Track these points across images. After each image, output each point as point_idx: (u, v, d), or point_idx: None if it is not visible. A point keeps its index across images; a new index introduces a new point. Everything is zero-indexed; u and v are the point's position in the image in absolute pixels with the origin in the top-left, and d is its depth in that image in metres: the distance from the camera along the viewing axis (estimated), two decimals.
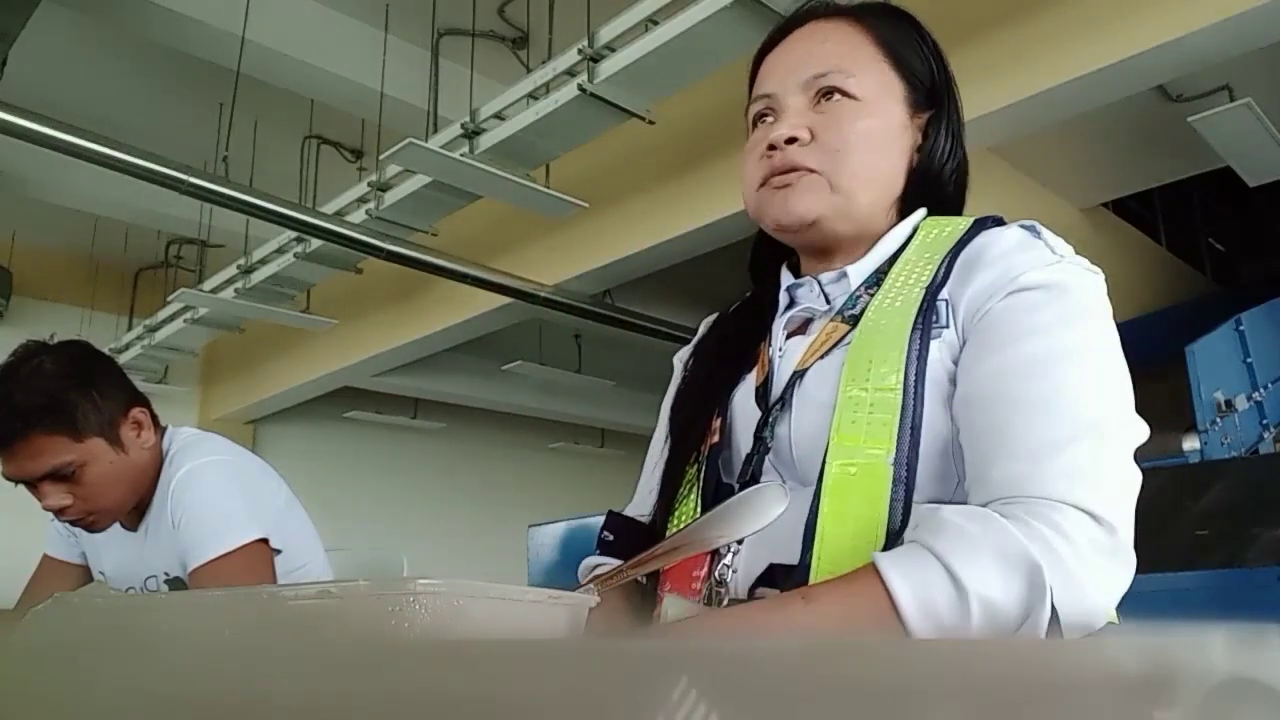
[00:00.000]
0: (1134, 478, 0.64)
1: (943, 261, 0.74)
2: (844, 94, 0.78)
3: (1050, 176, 4.87)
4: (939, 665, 0.25)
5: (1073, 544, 0.58)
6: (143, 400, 1.45)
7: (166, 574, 1.44)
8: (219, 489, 1.41)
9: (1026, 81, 2.90)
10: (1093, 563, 0.59)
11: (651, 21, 2.87)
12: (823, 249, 0.82)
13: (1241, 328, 4.03)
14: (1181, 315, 4.94)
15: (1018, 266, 0.70)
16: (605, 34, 3.00)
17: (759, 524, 0.62)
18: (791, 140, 0.77)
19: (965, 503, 0.66)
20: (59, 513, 1.37)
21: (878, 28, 0.81)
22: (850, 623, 0.59)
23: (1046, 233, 0.74)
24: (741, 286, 0.95)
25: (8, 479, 1.34)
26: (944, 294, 0.72)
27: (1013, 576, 0.57)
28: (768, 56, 0.85)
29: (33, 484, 1.34)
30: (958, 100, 0.84)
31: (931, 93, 0.82)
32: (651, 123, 3.22)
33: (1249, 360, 4.03)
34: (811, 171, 0.77)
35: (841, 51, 0.79)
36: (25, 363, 1.34)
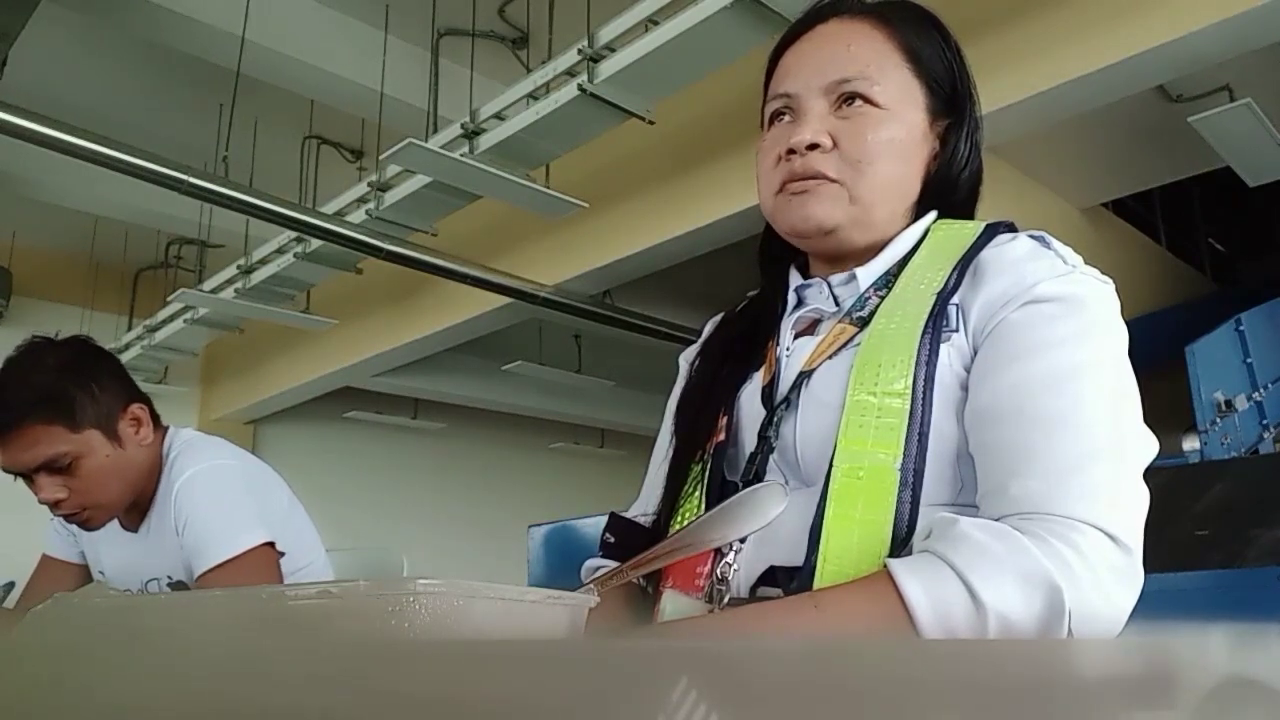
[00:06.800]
0: (1146, 496, 0.64)
1: (954, 268, 0.73)
2: (868, 101, 0.76)
3: (1050, 176, 4.87)
4: (939, 666, 0.25)
5: (1091, 566, 0.58)
6: (142, 397, 1.46)
7: (170, 578, 1.44)
8: (224, 494, 1.41)
9: (1026, 81, 2.90)
10: (1108, 585, 0.59)
11: (651, 21, 2.87)
12: (835, 255, 0.81)
13: (1241, 328, 4.03)
14: (1181, 315, 4.95)
15: (1031, 276, 0.69)
16: (605, 34, 3.00)
17: (758, 524, 0.62)
18: (813, 146, 0.76)
19: (974, 507, 0.66)
20: (54, 506, 1.37)
21: (903, 31, 0.80)
22: (864, 630, 0.58)
23: (1056, 242, 0.74)
24: (742, 287, 0.94)
25: (4, 470, 1.34)
26: (955, 299, 0.72)
27: (1033, 596, 0.57)
28: (786, 53, 0.83)
29: (28, 476, 1.34)
30: (978, 107, 0.83)
31: (952, 100, 0.81)
32: (651, 123, 3.22)
33: (1249, 360, 4.04)
34: (831, 180, 0.76)
35: (867, 57, 0.78)
36: (27, 355, 1.36)
